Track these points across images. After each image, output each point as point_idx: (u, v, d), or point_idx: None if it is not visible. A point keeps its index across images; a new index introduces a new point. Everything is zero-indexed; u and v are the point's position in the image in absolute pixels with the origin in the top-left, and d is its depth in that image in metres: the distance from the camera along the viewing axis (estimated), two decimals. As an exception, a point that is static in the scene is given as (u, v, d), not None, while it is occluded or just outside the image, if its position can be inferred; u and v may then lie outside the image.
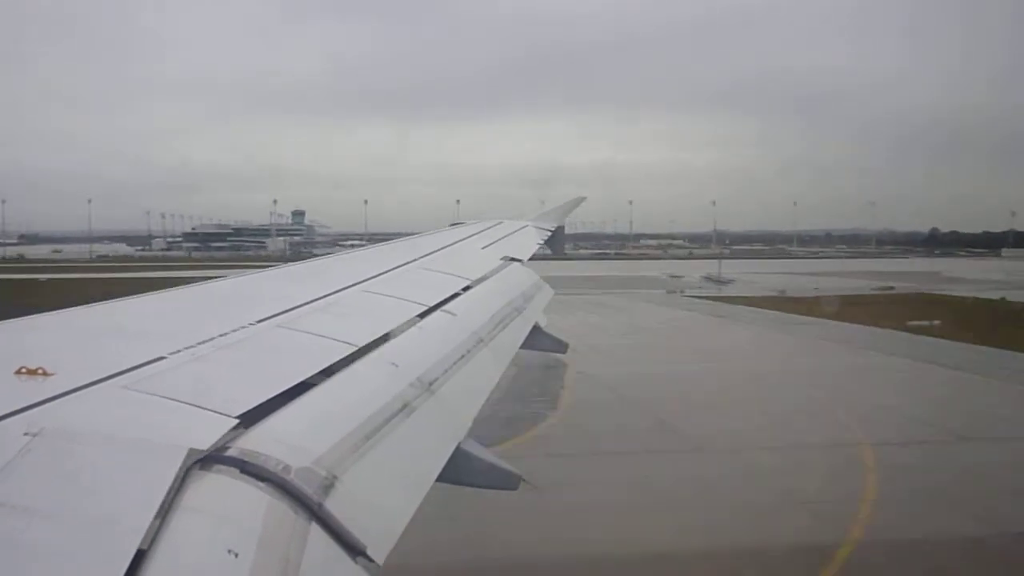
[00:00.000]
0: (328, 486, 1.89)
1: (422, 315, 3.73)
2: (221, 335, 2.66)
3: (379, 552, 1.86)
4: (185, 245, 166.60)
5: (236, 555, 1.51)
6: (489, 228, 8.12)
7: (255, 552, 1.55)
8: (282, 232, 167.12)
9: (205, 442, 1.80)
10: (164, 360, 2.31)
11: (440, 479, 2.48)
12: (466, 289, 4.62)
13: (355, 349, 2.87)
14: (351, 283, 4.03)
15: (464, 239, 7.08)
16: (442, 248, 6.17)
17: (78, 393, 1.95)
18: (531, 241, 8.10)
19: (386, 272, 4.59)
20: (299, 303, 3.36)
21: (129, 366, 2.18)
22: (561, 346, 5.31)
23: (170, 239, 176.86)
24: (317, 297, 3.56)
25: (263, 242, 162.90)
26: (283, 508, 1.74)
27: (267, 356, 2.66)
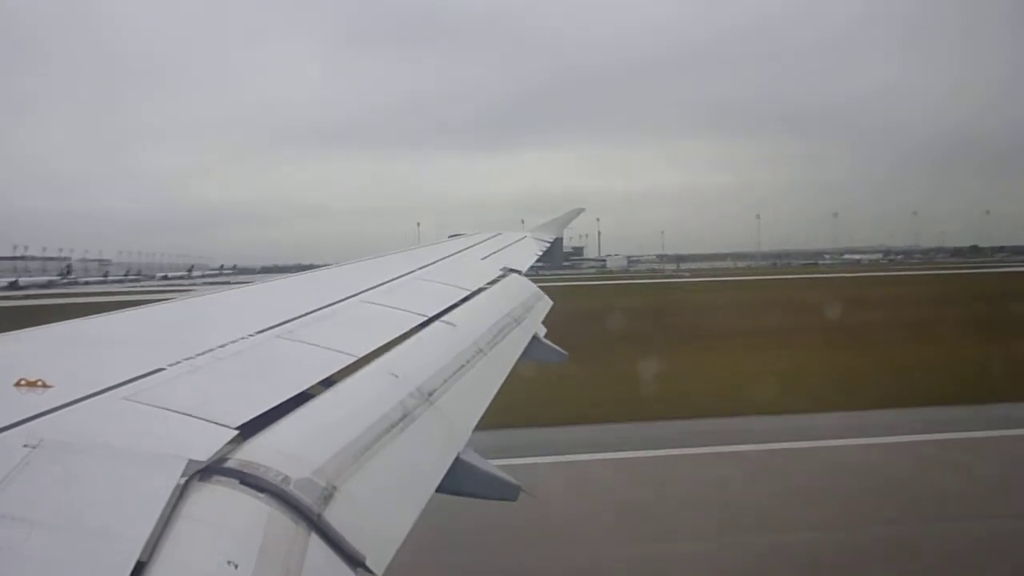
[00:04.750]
0: (328, 497, 1.89)
1: (421, 325, 3.73)
2: (220, 346, 2.66)
3: (379, 563, 1.85)
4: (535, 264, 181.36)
5: (236, 566, 1.51)
6: (488, 239, 8.13)
7: (255, 563, 1.55)
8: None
9: (204, 453, 1.80)
10: (163, 371, 2.31)
11: (439, 489, 2.47)
12: (465, 300, 4.62)
13: (354, 359, 2.87)
14: (350, 294, 4.03)
15: (463, 250, 7.09)
16: (441, 259, 6.17)
17: (77, 405, 1.95)
18: (530, 252, 8.11)
19: (385, 283, 4.60)
20: (298, 314, 3.35)
21: (128, 378, 2.18)
22: (560, 356, 5.31)
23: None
24: (316, 308, 3.56)
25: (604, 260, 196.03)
26: (283, 519, 1.74)
27: (266, 367, 2.65)
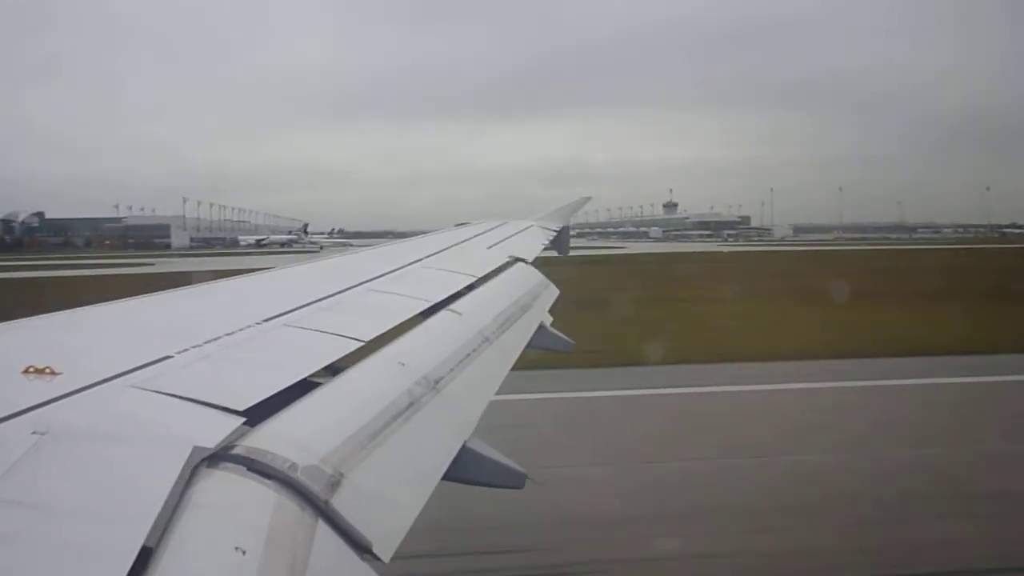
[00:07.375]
0: (335, 484, 1.89)
1: (428, 314, 3.73)
2: (228, 334, 2.67)
3: (385, 550, 1.86)
4: (692, 233, 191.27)
5: (244, 553, 1.51)
6: (494, 228, 8.11)
7: (262, 550, 1.55)
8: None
9: (212, 440, 1.80)
10: (171, 359, 2.31)
11: (446, 477, 2.48)
12: (472, 288, 4.62)
13: (361, 347, 2.88)
14: (357, 282, 4.04)
15: (470, 238, 7.08)
16: (448, 247, 6.17)
17: (85, 392, 1.95)
18: (536, 241, 8.10)
19: (392, 271, 4.60)
20: (305, 302, 3.36)
21: (136, 365, 2.19)
22: (567, 345, 5.30)
23: (665, 230, 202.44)
24: (323, 296, 3.57)
25: (769, 229, 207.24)
26: (290, 506, 1.74)
27: (273, 354, 2.66)
